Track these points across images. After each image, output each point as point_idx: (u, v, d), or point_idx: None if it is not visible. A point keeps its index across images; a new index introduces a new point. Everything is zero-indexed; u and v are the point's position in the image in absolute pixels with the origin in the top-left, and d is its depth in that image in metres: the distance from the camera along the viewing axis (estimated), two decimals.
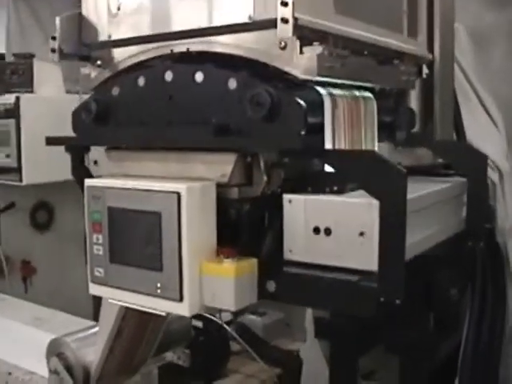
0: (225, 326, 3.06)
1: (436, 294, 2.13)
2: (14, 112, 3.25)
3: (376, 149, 1.82)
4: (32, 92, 3.44)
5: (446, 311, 2.30)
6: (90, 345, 2.13)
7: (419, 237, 1.67)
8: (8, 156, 3.30)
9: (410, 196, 1.58)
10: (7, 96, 3.34)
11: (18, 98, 3.25)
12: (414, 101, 2.13)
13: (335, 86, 1.64)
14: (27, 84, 3.41)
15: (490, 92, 2.93)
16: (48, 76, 3.38)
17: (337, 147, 1.61)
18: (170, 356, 2.79)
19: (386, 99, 1.97)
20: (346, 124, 1.68)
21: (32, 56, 3.47)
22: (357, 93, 1.76)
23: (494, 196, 2.47)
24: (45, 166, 3.17)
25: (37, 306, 3.22)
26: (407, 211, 1.53)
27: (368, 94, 1.80)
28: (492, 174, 2.48)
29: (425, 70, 2.18)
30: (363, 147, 1.76)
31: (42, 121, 3.20)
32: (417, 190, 1.75)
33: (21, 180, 3.29)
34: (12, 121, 3.26)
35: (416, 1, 2.06)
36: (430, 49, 2.13)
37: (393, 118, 1.98)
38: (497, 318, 2.50)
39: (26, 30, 5.08)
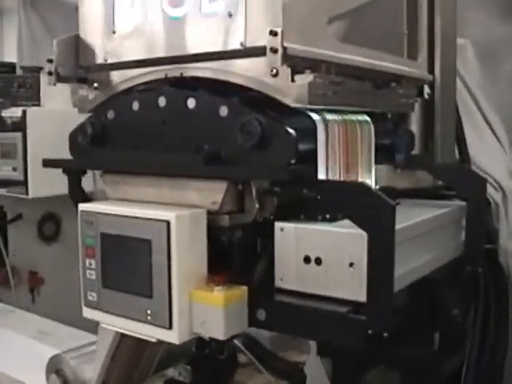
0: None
1: (439, 315, 2.12)
2: (20, 125, 3.27)
3: (373, 173, 1.82)
4: (39, 105, 3.46)
5: (450, 331, 2.28)
6: (89, 362, 2.14)
7: (416, 263, 1.66)
8: (15, 169, 3.33)
9: (406, 223, 1.58)
10: (14, 109, 3.36)
11: (24, 112, 3.26)
12: (415, 121, 2.11)
13: (331, 110, 1.63)
14: (34, 97, 3.44)
15: (498, 109, 2.90)
16: (55, 89, 3.39)
17: (331, 174, 1.61)
18: (171, 372, 2.78)
19: (384, 121, 1.96)
20: (341, 149, 1.67)
21: (39, 69, 3.49)
22: (353, 117, 1.75)
23: (496, 216, 2.45)
24: (51, 179, 3.17)
25: (42, 319, 3.24)
26: (404, 239, 1.53)
27: (365, 118, 1.79)
28: (495, 194, 2.46)
29: (426, 90, 2.16)
30: (359, 172, 1.75)
31: (48, 134, 3.20)
32: (414, 215, 1.74)
33: (27, 193, 3.31)
34: (19, 134, 3.28)
35: (416, 21, 2.03)
36: (431, 69, 2.11)
37: (392, 141, 1.97)
38: (499, 340, 2.48)
39: (37, 39, 5.11)
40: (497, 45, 3.40)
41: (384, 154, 1.94)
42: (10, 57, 5.50)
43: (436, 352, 2.28)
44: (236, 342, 3.10)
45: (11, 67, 4.83)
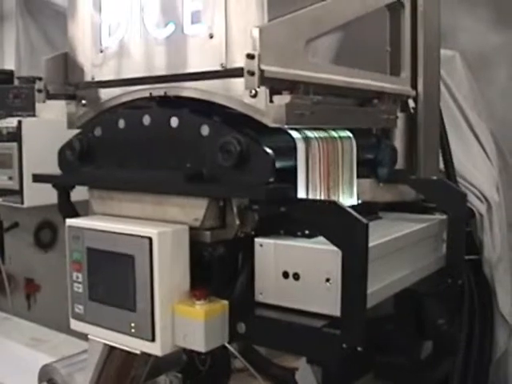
0: (226, 343, 3.08)
1: (426, 325, 2.16)
2: (16, 135, 3.31)
3: (355, 187, 1.86)
4: (34, 116, 3.50)
5: (438, 339, 2.31)
6: (81, 371, 2.16)
7: (394, 277, 1.70)
8: (11, 178, 3.36)
9: (381, 240, 1.62)
10: (10, 119, 3.40)
11: (20, 122, 3.30)
12: (398, 136, 2.15)
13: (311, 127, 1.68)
14: (29, 108, 3.48)
15: (489, 117, 2.94)
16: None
17: (312, 190, 1.65)
18: (162, 380, 2.82)
19: (367, 136, 2.00)
20: (322, 166, 1.71)
21: (35, 79, 3.53)
22: (334, 133, 1.79)
23: (481, 228, 2.48)
24: (46, 188, 3.22)
25: (36, 326, 3.27)
26: (379, 255, 1.57)
27: (346, 134, 1.83)
28: (480, 206, 2.50)
29: (411, 105, 2.20)
30: (341, 187, 1.80)
31: (43, 144, 3.22)
32: (394, 230, 1.78)
33: (22, 202, 3.35)
34: (14, 144, 3.32)
35: (399, 38, 2.07)
36: (414, 84, 2.15)
37: (374, 155, 2.01)
38: (484, 347, 2.52)
39: (35, 48, 5.14)
40: (488, 53, 3.44)
41: (367, 169, 1.99)
42: (11, 64, 5.54)
43: (424, 361, 2.32)
44: (231, 347, 3.14)
45: (10, 75, 4.87)
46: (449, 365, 2.48)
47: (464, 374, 2.50)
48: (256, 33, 1.42)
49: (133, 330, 1.59)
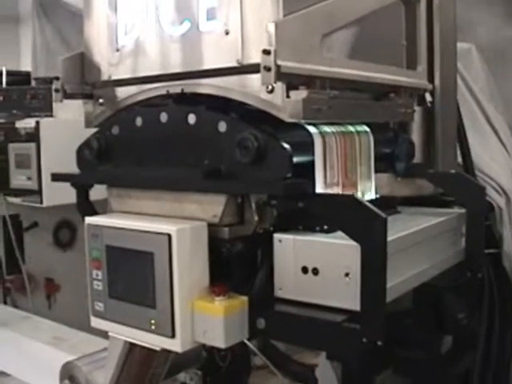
0: (245, 340, 3.09)
1: (445, 319, 2.15)
2: (34, 136, 3.32)
3: (373, 182, 1.85)
4: (51, 116, 3.52)
5: (458, 334, 2.30)
6: (102, 368, 2.18)
7: (413, 271, 1.69)
8: (29, 179, 3.38)
9: (400, 234, 1.62)
10: (28, 120, 3.42)
11: (37, 123, 3.32)
12: (415, 130, 2.14)
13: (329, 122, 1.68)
14: (47, 108, 3.50)
15: (505, 110, 2.92)
16: (67, 100, 3.45)
17: (330, 185, 1.65)
18: (182, 376, 2.83)
19: (384, 131, 2.00)
20: (340, 161, 1.71)
21: (52, 80, 3.55)
22: (351, 128, 1.79)
23: (500, 221, 2.47)
24: (65, 188, 3.24)
25: (57, 325, 3.28)
26: (398, 249, 1.57)
27: (364, 128, 1.83)
28: (499, 199, 2.48)
29: (428, 98, 2.18)
30: (359, 182, 1.79)
31: (61, 144, 3.24)
32: (413, 224, 1.77)
33: (41, 202, 3.36)
34: (32, 144, 3.33)
35: (415, 31, 2.06)
36: (431, 78, 2.14)
37: (392, 150, 2.01)
38: (505, 342, 2.50)
39: (51, 49, 5.18)
40: (504, 47, 3.42)
41: (384, 163, 1.98)
42: (27, 66, 5.59)
43: (444, 356, 2.31)
44: (251, 344, 3.15)
45: (27, 76, 4.91)
46: (469, 359, 2.47)
47: (484, 368, 2.49)
48: (272, 28, 1.42)
49: (153, 327, 1.60)
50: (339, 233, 1.51)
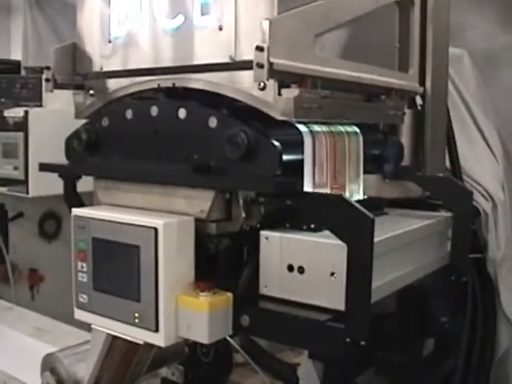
0: (228, 337, 3.08)
1: (428, 322, 2.16)
2: (22, 125, 3.31)
3: (361, 183, 1.86)
4: (41, 106, 3.51)
5: (441, 338, 2.31)
6: (83, 361, 2.17)
7: (398, 273, 1.70)
8: (16, 168, 3.37)
9: (386, 235, 1.62)
10: (17, 109, 3.41)
11: (26, 112, 3.31)
12: (405, 132, 2.15)
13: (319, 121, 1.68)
14: (36, 98, 3.49)
15: (495, 115, 2.94)
16: (57, 90, 3.43)
17: (318, 184, 1.65)
18: (164, 371, 2.82)
19: (374, 132, 2.00)
20: (329, 160, 1.71)
21: (42, 70, 3.54)
22: (341, 128, 1.79)
23: (486, 226, 2.48)
24: (51, 178, 3.22)
25: (39, 316, 3.28)
26: (384, 250, 1.57)
27: (353, 129, 1.83)
28: (485, 204, 2.49)
29: (419, 101, 2.19)
30: (347, 182, 1.80)
31: (50, 134, 3.23)
32: (399, 226, 1.78)
33: (27, 192, 3.36)
34: (20, 134, 3.33)
35: (408, 34, 2.07)
36: (422, 81, 2.14)
37: (381, 151, 2.01)
38: (486, 347, 2.52)
39: (43, 39, 5.15)
40: (496, 53, 3.44)
41: (373, 164, 1.98)
42: (18, 55, 5.56)
43: (426, 359, 2.32)
44: (233, 341, 3.14)
45: (17, 65, 4.88)
46: (450, 363, 2.48)
47: (465, 372, 2.50)
48: (266, 25, 1.42)
49: (136, 321, 1.59)
50: (326, 232, 1.51)
